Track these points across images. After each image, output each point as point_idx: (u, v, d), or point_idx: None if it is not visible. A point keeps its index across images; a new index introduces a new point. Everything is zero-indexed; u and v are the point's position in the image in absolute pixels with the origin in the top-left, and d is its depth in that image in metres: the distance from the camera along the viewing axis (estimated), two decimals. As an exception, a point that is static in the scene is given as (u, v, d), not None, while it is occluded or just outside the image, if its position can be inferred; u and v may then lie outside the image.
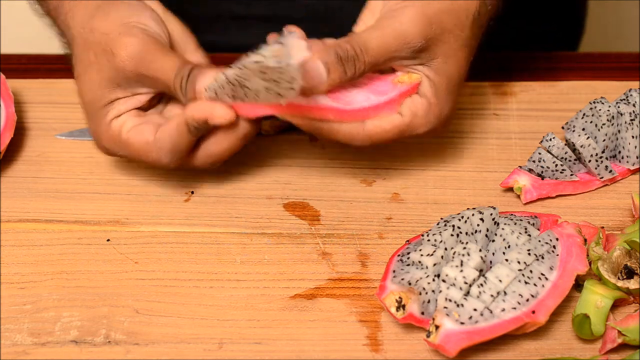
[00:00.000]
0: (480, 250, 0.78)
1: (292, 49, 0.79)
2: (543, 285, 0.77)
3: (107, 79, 0.85)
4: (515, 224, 0.81)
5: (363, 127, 0.84)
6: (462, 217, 0.81)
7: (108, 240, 0.87)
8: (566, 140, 0.91)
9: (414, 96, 0.85)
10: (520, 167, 0.90)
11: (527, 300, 0.76)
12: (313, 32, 1.15)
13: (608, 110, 0.89)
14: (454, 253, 0.78)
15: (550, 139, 0.90)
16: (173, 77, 0.83)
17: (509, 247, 0.80)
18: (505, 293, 0.77)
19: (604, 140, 0.89)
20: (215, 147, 0.85)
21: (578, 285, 0.80)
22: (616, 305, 0.80)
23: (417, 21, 0.83)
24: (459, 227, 0.81)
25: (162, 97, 0.89)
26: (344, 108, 0.84)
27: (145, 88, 0.86)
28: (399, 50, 0.84)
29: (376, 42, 0.84)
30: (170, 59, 0.84)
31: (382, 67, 0.85)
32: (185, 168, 0.87)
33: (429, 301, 0.78)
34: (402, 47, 0.84)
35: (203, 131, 0.84)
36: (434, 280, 0.78)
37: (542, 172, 0.89)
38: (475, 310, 0.76)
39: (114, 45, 0.84)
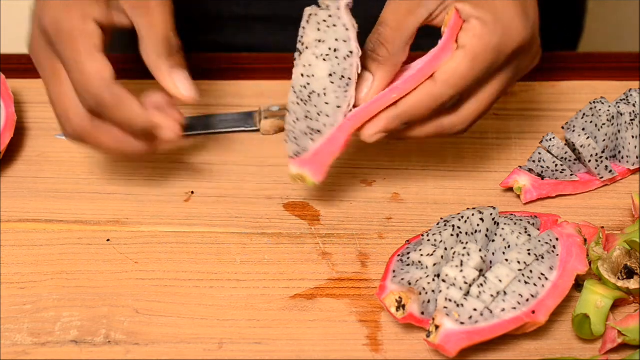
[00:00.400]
0: (480, 250, 0.78)
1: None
2: (543, 285, 0.77)
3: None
4: (515, 224, 0.81)
5: (434, 83, 0.81)
6: (462, 217, 0.81)
7: (108, 240, 0.87)
8: (566, 140, 0.91)
9: (464, 27, 0.82)
10: (520, 167, 0.90)
11: (527, 300, 0.76)
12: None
13: (608, 110, 0.89)
14: (454, 253, 0.78)
15: (550, 139, 0.90)
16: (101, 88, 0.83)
17: (509, 247, 0.80)
18: (505, 293, 0.77)
19: (604, 140, 0.90)
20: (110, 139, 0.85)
21: (578, 285, 0.80)
22: (616, 305, 0.80)
23: None
24: (459, 227, 0.81)
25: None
26: (404, 78, 0.82)
27: None
28: (413, 6, 0.81)
29: (389, 9, 0.82)
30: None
31: (414, 30, 0.82)
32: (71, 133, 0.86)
33: (429, 301, 0.78)
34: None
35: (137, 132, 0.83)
36: (434, 280, 0.78)
37: (542, 172, 0.90)
38: (475, 310, 0.76)
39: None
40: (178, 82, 0.84)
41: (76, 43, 0.82)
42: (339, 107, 0.82)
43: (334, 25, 0.82)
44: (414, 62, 0.83)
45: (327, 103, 0.82)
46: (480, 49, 0.80)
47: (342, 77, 0.82)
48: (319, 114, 0.83)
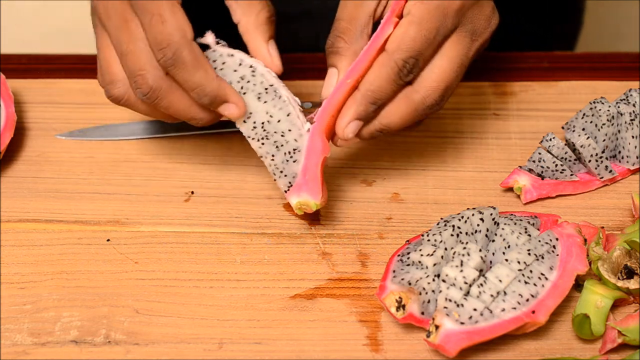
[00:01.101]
0: (480, 250, 0.78)
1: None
2: (543, 285, 0.77)
3: None
4: (515, 224, 0.81)
5: (386, 53, 0.82)
6: (462, 217, 0.81)
7: (108, 240, 0.87)
8: (566, 140, 0.91)
9: None
10: (520, 167, 0.90)
11: (527, 300, 0.76)
12: (309, 29, 1.16)
13: (608, 110, 0.89)
14: (454, 253, 0.78)
15: (550, 139, 0.90)
16: None
17: (509, 247, 0.80)
18: (505, 293, 0.77)
19: (604, 140, 0.90)
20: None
21: (578, 285, 0.80)
22: (616, 305, 0.80)
23: None
24: (459, 227, 0.81)
25: None
26: (355, 61, 0.84)
27: None
28: None
29: (341, 6, 0.85)
30: None
31: (367, 19, 0.85)
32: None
33: (429, 301, 0.78)
34: None
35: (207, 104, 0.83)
36: (434, 280, 0.78)
37: (542, 172, 0.90)
38: (475, 310, 0.76)
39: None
40: (273, 53, 0.85)
41: None
42: (294, 125, 0.85)
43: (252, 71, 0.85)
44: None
45: (288, 130, 0.85)
46: (424, 11, 0.82)
47: (281, 100, 0.85)
48: (284, 136, 0.85)
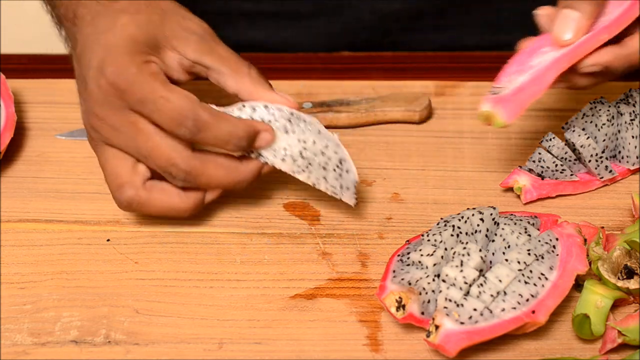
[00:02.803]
0: (480, 250, 0.78)
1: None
2: (543, 285, 0.77)
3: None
4: (515, 224, 0.81)
5: None
6: (462, 217, 0.81)
7: (108, 240, 0.87)
8: (566, 140, 0.91)
9: None
10: (520, 167, 0.90)
11: (527, 300, 0.76)
12: (321, 27, 1.16)
13: (608, 110, 0.89)
14: (454, 253, 0.78)
15: (550, 139, 0.90)
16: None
17: (509, 247, 0.80)
18: (505, 293, 0.77)
19: (604, 140, 0.90)
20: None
21: (578, 285, 0.80)
22: (616, 305, 0.80)
23: None
24: (459, 227, 0.81)
25: None
26: (612, 19, 0.83)
27: None
28: None
29: None
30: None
31: None
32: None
33: (429, 301, 0.78)
34: None
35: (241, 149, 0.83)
36: (434, 280, 0.78)
37: (542, 172, 0.90)
38: (475, 310, 0.76)
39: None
40: (284, 95, 0.85)
41: (151, 81, 0.81)
42: (328, 139, 0.84)
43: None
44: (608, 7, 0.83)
45: (325, 146, 0.84)
46: None
47: (306, 122, 0.84)
48: (325, 154, 0.84)
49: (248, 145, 0.82)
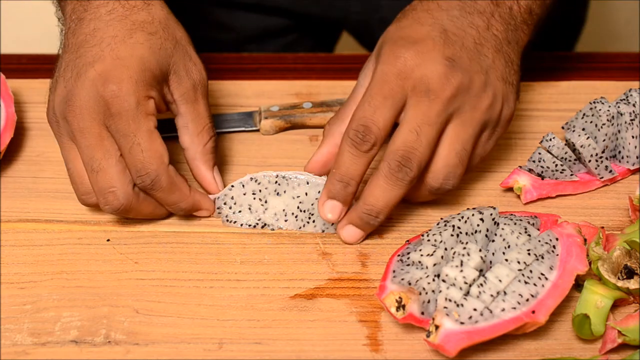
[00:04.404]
0: (480, 250, 0.78)
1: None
2: (543, 285, 0.77)
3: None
4: (515, 224, 0.81)
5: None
6: (462, 217, 0.81)
7: (108, 240, 0.87)
8: (566, 140, 0.91)
9: None
10: (520, 167, 0.90)
11: (527, 300, 0.76)
12: (300, 18, 1.16)
13: (608, 110, 0.89)
14: (454, 253, 0.78)
15: (550, 139, 0.90)
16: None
17: (508, 247, 0.80)
18: (505, 293, 0.77)
19: (604, 140, 0.90)
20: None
21: (578, 285, 0.80)
22: (616, 305, 0.80)
23: None
24: (459, 227, 0.81)
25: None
26: None
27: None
28: None
29: None
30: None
31: None
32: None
33: (429, 301, 0.78)
34: None
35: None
36: (434, 280, 0.78)
37: (542, 172, 0.90)
38: (475, 310, 0.76)
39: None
40: (217, 180, 0.88)
41: (140, 122, 0.83)
42: (314, 184, 0.87)
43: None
44: None
45: (318, 192, 0.87)
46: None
47: (292, 179, 0.87)
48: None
49: (186, 214, 0.87)
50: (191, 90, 0.87)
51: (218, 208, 0.87)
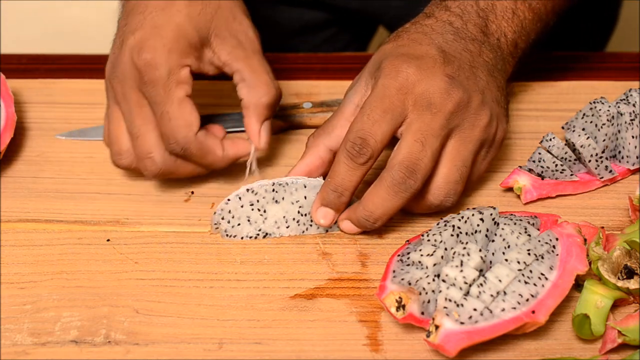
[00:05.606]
0: (480, 250, 0.78)
1: None
2: (543, 285, 0.77)
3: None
4: (515, 224, 0.81)
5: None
6: (462, 217, 0.81)
7: (108, 240, 0.87)
8: (566, 140, 0.91)
9: None
10: (520, 167, 0.90)
11: (527, 300, 0.76)
12: (340, 11, 1.17)
13: (608, 110, 0.89)
14: (454, 253, 0.78)
15: (550, 139, 0.90)
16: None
17: (508, 247, 0.80)
18: (505, 293, 0.77)
19: (604, 140, 0.90)
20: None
21: (578, 285, 0.80)
22: (616, 305, 0.80)
23: None
24: (459, 227, 0.81)
25: None
26: None
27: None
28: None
29: None
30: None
31: None
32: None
33: (429, 301, 0.78)
34: None
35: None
36: (434, 280, 0.78)
37: (542, 172, 0.90)
38: (475, 310, 0.76)
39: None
40: (262, 134, 0.89)
41: (170, 91, 0.84)
42: (312, 186, 0.87)
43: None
44: None
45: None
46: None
47: (289, 184, 0.87)
48: None
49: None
50: (238, 49, 0.87)
51: (216, 223, 0.87)
